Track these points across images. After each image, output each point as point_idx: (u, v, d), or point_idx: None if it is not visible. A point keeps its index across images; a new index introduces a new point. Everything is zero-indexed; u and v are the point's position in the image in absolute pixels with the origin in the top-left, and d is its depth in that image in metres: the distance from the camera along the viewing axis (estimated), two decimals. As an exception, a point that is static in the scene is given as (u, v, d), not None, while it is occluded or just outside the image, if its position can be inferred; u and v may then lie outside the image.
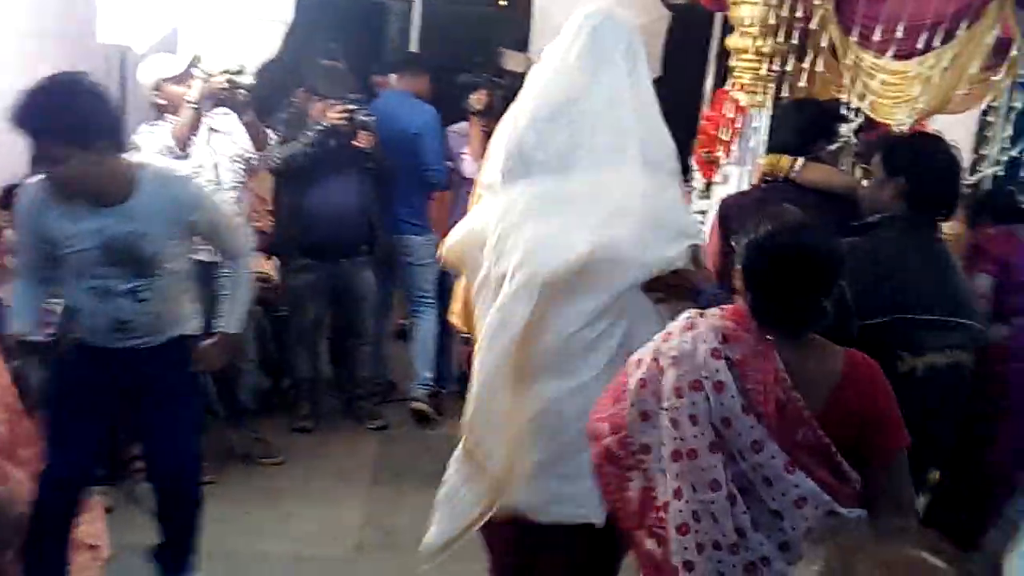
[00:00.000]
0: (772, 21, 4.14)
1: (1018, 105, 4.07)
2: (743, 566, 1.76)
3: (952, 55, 3.86)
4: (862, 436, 1.78)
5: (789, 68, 4.16)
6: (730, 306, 1.90)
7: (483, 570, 2.78)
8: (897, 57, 4.01)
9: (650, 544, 1.86)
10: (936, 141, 2.60)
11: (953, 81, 3.93)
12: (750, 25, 4.28)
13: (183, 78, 3.76)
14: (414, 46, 7.63)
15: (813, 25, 4.03)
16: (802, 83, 4.14)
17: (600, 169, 2.35)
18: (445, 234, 4.83)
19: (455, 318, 2.80)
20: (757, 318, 1.81)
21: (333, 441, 4.50)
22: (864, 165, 3.61)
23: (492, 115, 4.77)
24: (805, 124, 3.00)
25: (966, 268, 3.03)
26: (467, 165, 4.85)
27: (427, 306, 4.86)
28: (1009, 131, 4.70)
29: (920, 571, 1.05)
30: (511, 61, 5.70)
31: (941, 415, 2.30)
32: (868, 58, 4.09)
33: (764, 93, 4.35)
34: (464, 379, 4.98)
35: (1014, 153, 4.76)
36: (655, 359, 1.89)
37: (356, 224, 4.44)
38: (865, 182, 2.87)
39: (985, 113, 4.78)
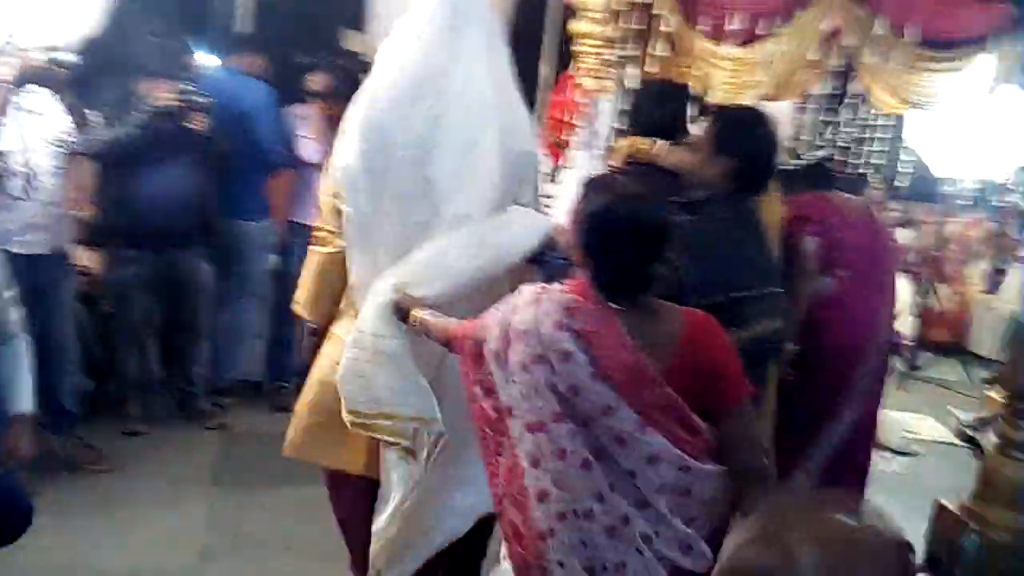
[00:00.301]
0: (615, 7, 4.15)
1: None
2: (604, 529, 1.80)
3: (789, 40, 3.99)
4: (707, 390, 1.85)
5: (635, 53, 4.20)
6: (573, 280, 1.94)
7: (340, 571, 2.70)
8: (737, 44, 4.12)
9: (512, 514, 1.90)
10: (763, 119, 2.73)
11: (792, 67, 4.07)
12: (594, 10, 4.28)
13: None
14: (241, 23, 7.28)
15: (656, 11, 4.08)
16: (648, 68, 4.18)
17: (458, 159, 2.29)
18: (286, 219, 4.70)
19: (300, 307, 2.64)
20: (597, 288, 1.87)
21: (168, 444, 4.20)
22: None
23: (333, 96, 4.60)
24: (675, 107, 3.02)
25: (789, 235, 3.26)
26: (308, 149, 4.64)
27: (253, 296, 4.67)
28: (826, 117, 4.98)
29: (856, 546, 1.05)
30: (351, 41, 5.49)
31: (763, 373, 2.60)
32: (709, 45, 4.19)
33: (610, 78, 4.38)
34: (305, 371, 4.83)
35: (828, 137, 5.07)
36: (504, 331, 1.91)
37: (189, 211, 4.16)
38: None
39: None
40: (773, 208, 3.14)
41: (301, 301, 2.62)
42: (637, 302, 1.87)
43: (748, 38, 4.06)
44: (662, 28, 3.98)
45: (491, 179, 2.29)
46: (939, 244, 7.79)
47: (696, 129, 2.99)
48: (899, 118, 5.71)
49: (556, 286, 1.94)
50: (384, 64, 2.37)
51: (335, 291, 2.51)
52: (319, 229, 2.52)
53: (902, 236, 7.94)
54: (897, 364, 6.96)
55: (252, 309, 4.74)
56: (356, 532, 2.59)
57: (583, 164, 4.29)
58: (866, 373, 3.49)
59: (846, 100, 4.99)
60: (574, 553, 1.81)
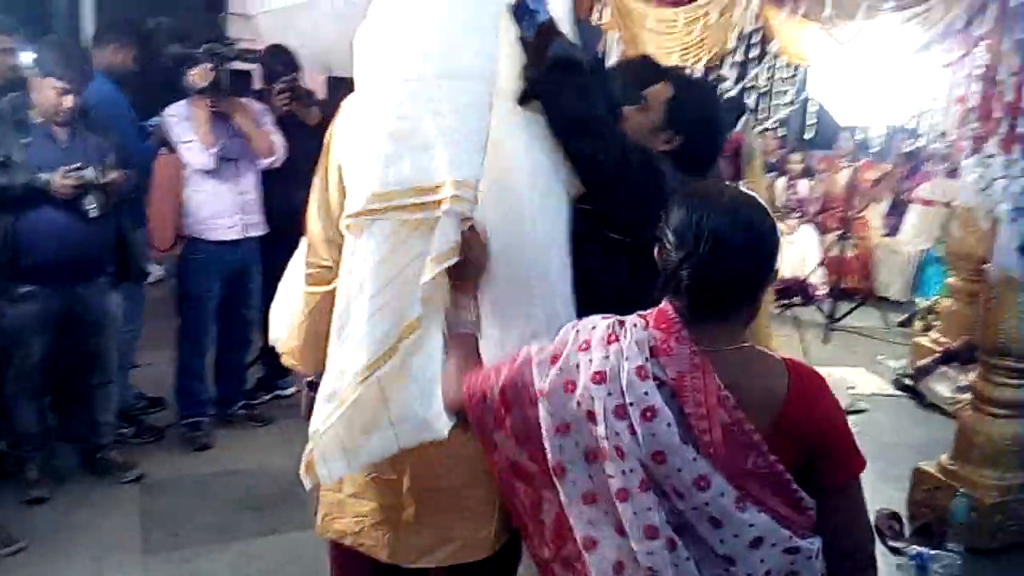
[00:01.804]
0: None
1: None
2: None
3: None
4: (814, 460, 1.51)
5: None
6: (652, 310, 1.56)
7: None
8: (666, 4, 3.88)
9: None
10: (714, 94, 2.48)
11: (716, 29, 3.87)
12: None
13: None
14: (88, 16, 6.61)
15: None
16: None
17: None
18: (165, 229, 4.17)
19: (290, 357, 2.26)
20: (688, 323, 1.50)
21: (81, 507, 3.61)
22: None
23: (219, 92, 4.08)
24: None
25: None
26: (194, 154, 4.10)
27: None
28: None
29: None
30: (236, 28, 4.91)
31: None
32: (639, 6, 3.93)
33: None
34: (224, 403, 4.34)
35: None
36: (561, 369, 1.53)
37: (98, 237, 3.59)
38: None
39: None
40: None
41: (290, 350, 2.24)
42: (734, 343, 1.52)
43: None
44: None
45: None
46: (834, 191, 7.83)
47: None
48: (803, 71, 5.67)
49: (632, 319, 1.56)
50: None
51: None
52: (309, 265, 2.09)
53: (804, 186, 7.97)
54: (816, 316, 6.97)
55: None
56: None
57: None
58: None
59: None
60: None
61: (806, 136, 6.63)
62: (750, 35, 4.49)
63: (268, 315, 2.34)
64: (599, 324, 1.57)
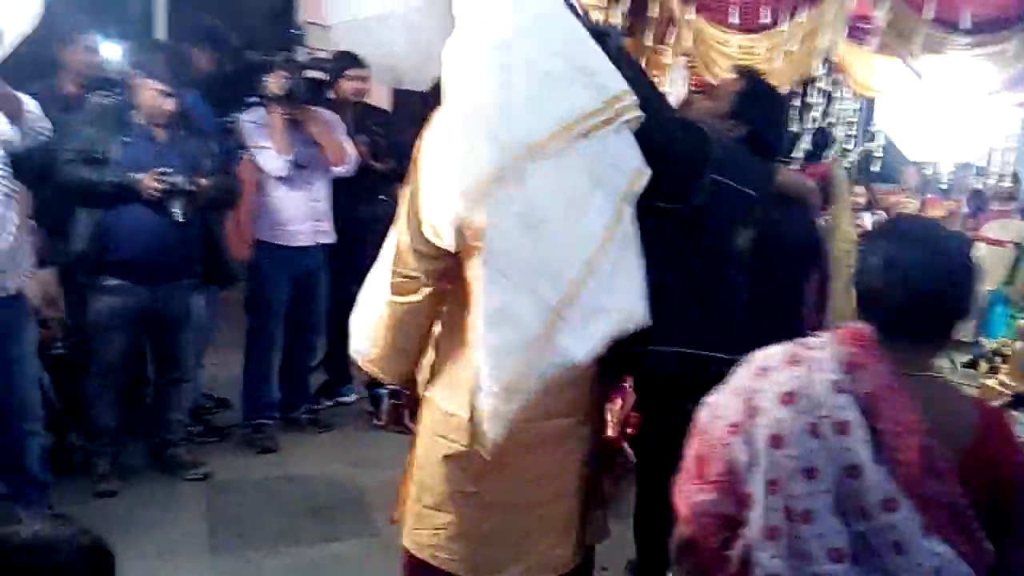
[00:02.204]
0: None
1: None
2: None
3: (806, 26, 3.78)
4: (996, 501, 1.47)
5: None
6: (846, 330, 1.56)
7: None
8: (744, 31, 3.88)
9: None
10: (782, 99, 2.65)
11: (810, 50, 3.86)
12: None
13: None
14: (160, 22, 6.73)
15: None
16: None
17: None
18: (251, 238, 4.23)
19: (373, 365, 2.27)
20: (887, 344, 1.49)
21: (148, 503, 3.65)
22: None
23: (294, 100, 4.13)
24: None
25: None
26: (269, 160, 4.16)
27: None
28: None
29: None
30: (313, 37, 4.99)
31: None
32: (716, 31, 3.94)
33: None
34: (287, 407, 4.38)
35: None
36: (747, 401, 1.53)
37: (184, 239, 3.65)
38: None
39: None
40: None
41: (373, 357, 2.25)
42: (926, 371, 1.52)
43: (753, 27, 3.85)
44: (684, 17, 3.72)
45: None
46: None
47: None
48: (868, 103, 5.64)
49: (817, 339, 1.56)
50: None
51: (415, 347, 2.14)
52: (396, 275, 2.12)
53: (867, 219, 7.85)
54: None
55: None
56: None
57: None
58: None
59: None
60: None
61: (872, 168, 6.55)
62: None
63: (331, 321, 2.37)
64: (773, 351, 1.58)
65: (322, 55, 4.97)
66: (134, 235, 3.52)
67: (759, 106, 2.46)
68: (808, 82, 4.65)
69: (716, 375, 1.65)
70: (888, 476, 1.41)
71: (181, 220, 3.53)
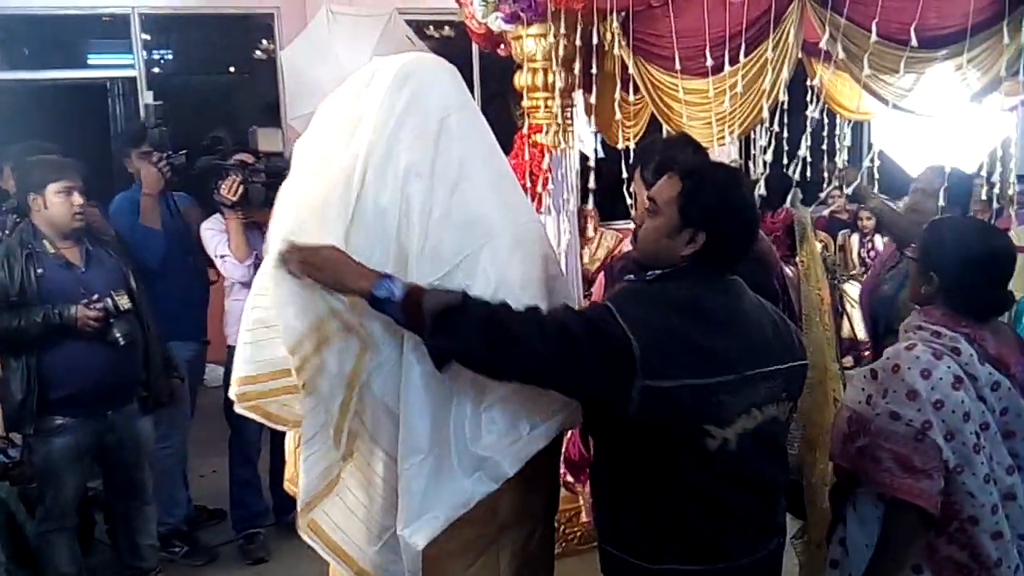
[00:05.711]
0: (562, 52, 3.79)
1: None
2: None
3: (758, 65, 3.64)
4: None
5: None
6: (931, 318, 2.11)
7: None
8: (695, 75, 3.76)
9: (950, 550, 2.05)
10: (740, 182, 2.07)
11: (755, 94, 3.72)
12: (535, 60, 3.92)
13: None
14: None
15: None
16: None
17: None
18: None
19: (293, 486, 2.25)
20: (972, 316, 2.10)
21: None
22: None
23: (250, 205, 3.97)
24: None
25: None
26: (229, 268, 4.03)
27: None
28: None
29: None
30: (263, 139, 4.82)
31: (766, 478, 2.02)
32: (666, 78, 3.82)
33: (565, 130, 4.00)
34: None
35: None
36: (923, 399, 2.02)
37: (125, 362, 3.44)
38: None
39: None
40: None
41: (290, 477, 2.30)
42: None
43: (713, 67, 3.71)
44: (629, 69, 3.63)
45: None
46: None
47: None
48: (863, 125, 5.48)
49: (933, 331, 2.08)
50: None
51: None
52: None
53: (879, 242, 7.63)
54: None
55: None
56: None
57: (553, 228, 3.86)
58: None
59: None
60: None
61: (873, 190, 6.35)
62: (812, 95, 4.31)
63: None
64: (919, 351, 2.04)
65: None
66: (76, 369, 3.31)
67: (705, 202, 1.94)
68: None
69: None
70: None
71: (123, 344, 3.33)
